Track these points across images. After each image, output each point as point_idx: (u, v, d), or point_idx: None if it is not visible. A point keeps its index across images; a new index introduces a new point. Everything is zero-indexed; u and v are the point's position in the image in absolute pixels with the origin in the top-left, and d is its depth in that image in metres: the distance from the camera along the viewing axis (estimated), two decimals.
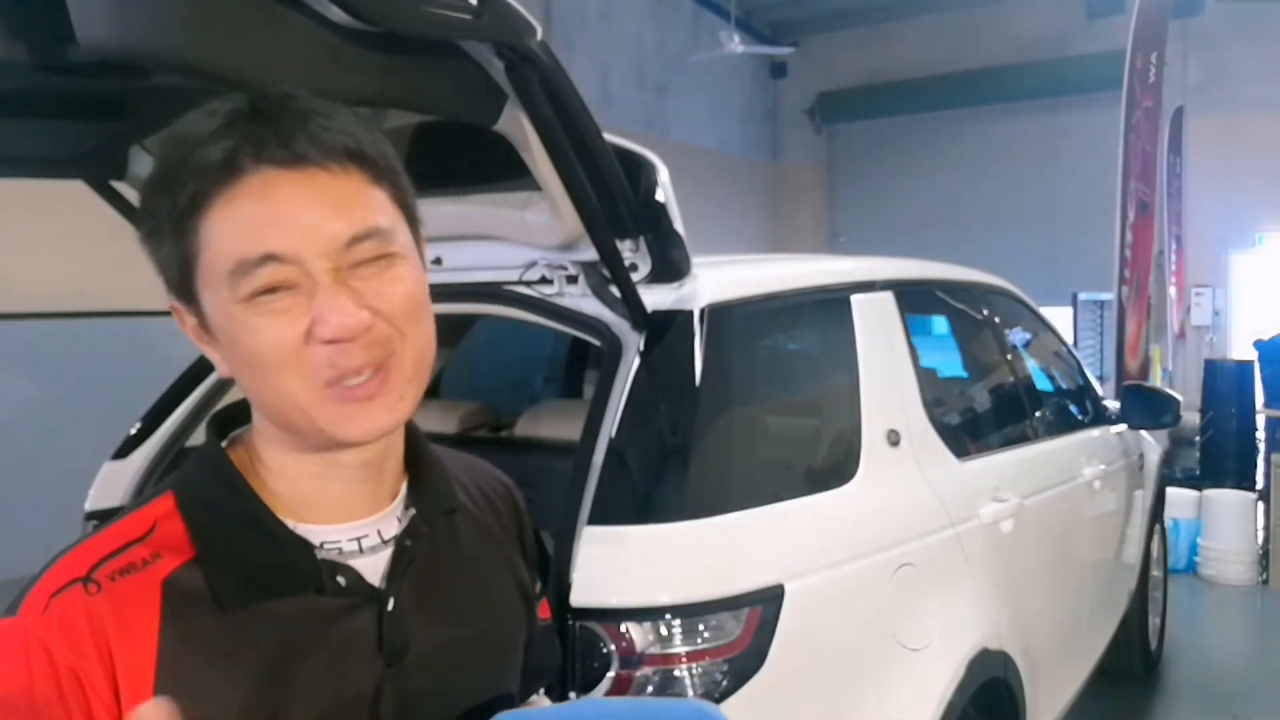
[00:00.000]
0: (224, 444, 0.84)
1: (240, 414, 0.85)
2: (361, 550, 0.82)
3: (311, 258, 0.73)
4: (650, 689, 1.47)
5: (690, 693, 1.49)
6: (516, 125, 1.35)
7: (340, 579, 0.80)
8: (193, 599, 0.75)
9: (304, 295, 0.73)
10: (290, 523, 0.80)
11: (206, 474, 0.81)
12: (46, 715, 0.70)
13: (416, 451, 0.89)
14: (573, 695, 1.46)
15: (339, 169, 0.74)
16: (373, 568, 0.82)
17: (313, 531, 0.80)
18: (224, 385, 2.20)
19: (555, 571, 1.49)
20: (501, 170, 1.59)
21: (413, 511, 0.86)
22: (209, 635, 0.74)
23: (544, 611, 1.08)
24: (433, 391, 3.01)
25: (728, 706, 1.50)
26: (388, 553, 0.83)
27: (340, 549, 0.81)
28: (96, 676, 0.71)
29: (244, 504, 0.79)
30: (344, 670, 0.79)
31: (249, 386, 0.78)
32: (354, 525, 0.83)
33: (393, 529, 0.85)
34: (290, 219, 0.72)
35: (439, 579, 0.87)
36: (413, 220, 0.82)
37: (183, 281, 0.75)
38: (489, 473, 1.03)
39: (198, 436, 2.17)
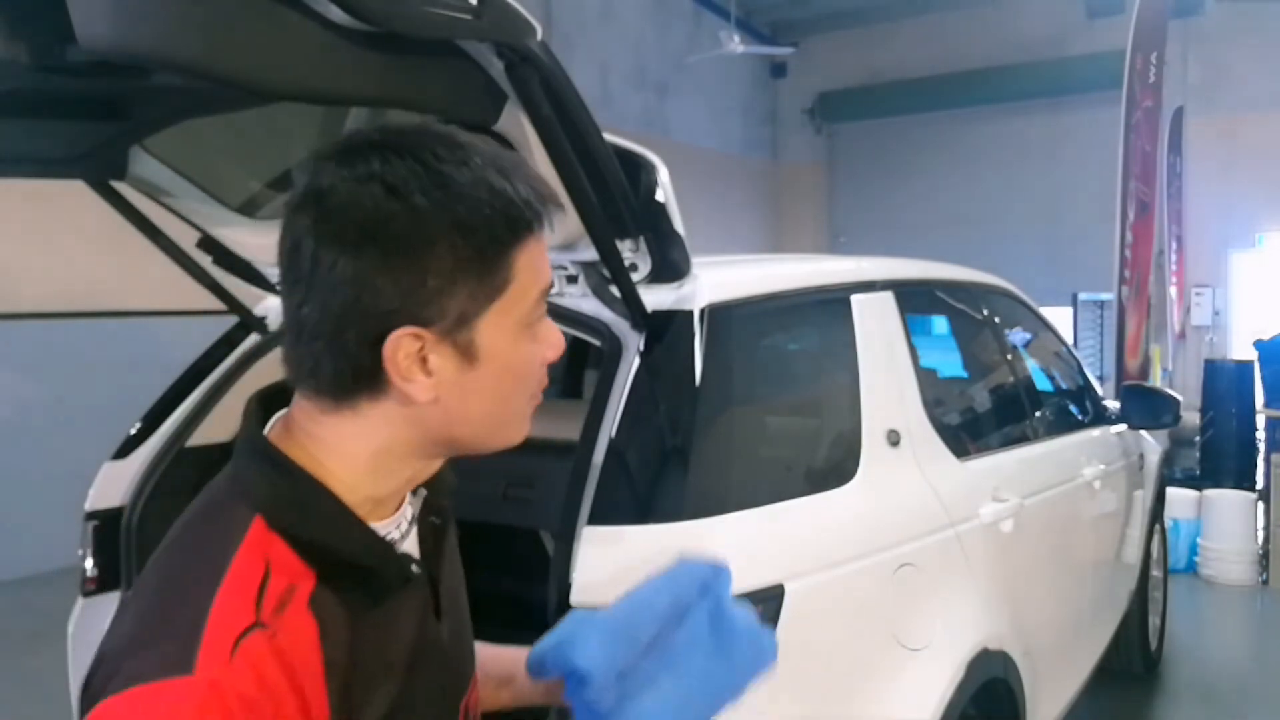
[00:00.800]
0: (267, 432, 0.87)
1: (276, 401, 0.89)
2: (402, 536, 0.90)
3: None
4: None
5: None
6: (516, 125, 1.35)
7: (414, 567, 0.88)
8: (334, 614, 0.79)
9: (540, 325, 0.87)
10: (372, 524, 0.85)
11: (286, 488, 0.82)
12: None
13: None
14: None
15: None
16: (410, 546, 0.91)
17: (379, 528, 0.86)
18: (223, 386, 2.20)
19: (555, 571, 1.49)
20: None
21: (423, 493, 0.95)
22: (351, 642, 0.80)
23: None
24: None
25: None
26: (414, 531, 0.92)
27: (394, 538, 0.88)
28: (295, 715, 0.74)
29: (336, 516, 0.82)
30: (428, 643, 0.89)
31: (482, 404, 0.85)
32: (395, 517, 0.90)
33: (410, 512, 0.93)
34: (546, 262, 0.87)
35: (446, 545, 0.99)
36: None
37: (468, 312, 0.81)
38: None
39: (198, 436, 2.17)
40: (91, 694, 0.72)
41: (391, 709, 0.82)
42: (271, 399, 0.90)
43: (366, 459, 0.84)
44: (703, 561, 1.04)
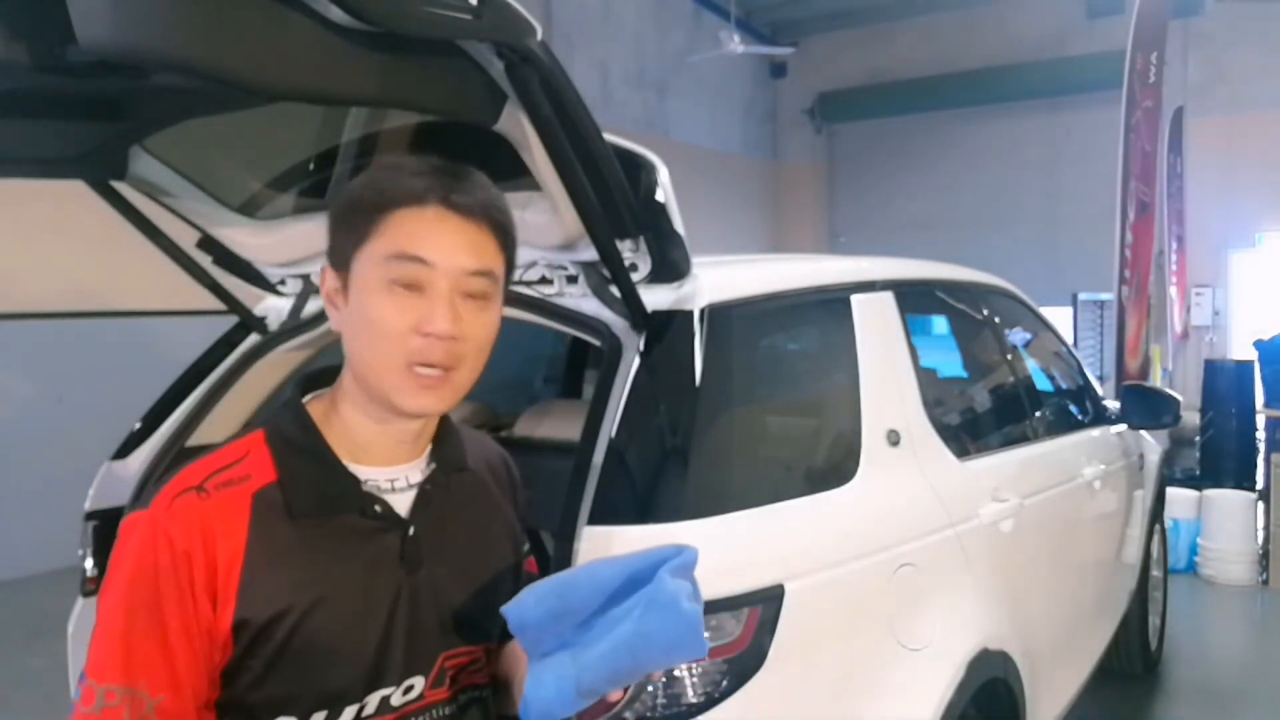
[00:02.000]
0: (306, 399, 1.13)
1: (322, 379, 1.16)
2: (394, 489, 1.12)
3: (442, 271, 1.04)
4: (650, 689, 1.47)
5: (690, 694, 1.49)
6: (516, 125, 1.35)
7: (377, 507, 1.10)
8: (274, 510, 1.04)
9: (424, 300, 1.04)
10: (346, 462, 1.09)
11: (289, 418, 1.10)
12: (165, 584, 0.98)
13: (444, 424, 1.21)
14: None
15: (485, 227, 1.08)
16: (402, 503, 1.12)
17: (362, 470, 1.10)
18: (223, 386, 2.20)
19: (556, 571, 1.49)
20: (501, 170, 1.59)
21: (434, 466, 1.17)
22: (282, 537, 1.03)
23: (530, 566, 1.38)
24: None
25: (728, 706, 1.50)
26: (413, 494, 1.14)
27: (379, 485, 1.11)
28: (199, 561, 0.99)
29: (313, 443, 1.08)
30: (373, 575, 1.08)
31: (354, 344, 1.07)
32: (392, 469, 1.12)
33: (417, 477, 1.15)
34: (441, 240, 1.05)
35: (448, 518, 1.17)
36: (509, 283, 1.15)
37: (349, 252, 1.06)
38: (492, 447, 1.36)
39: (198, 436, 2.17)
40: None
41: (307, 607, 1.02)
42: (319, 377, 1.17)
43: (344, 400, 1.10)
44: (669, 547, 1.12)
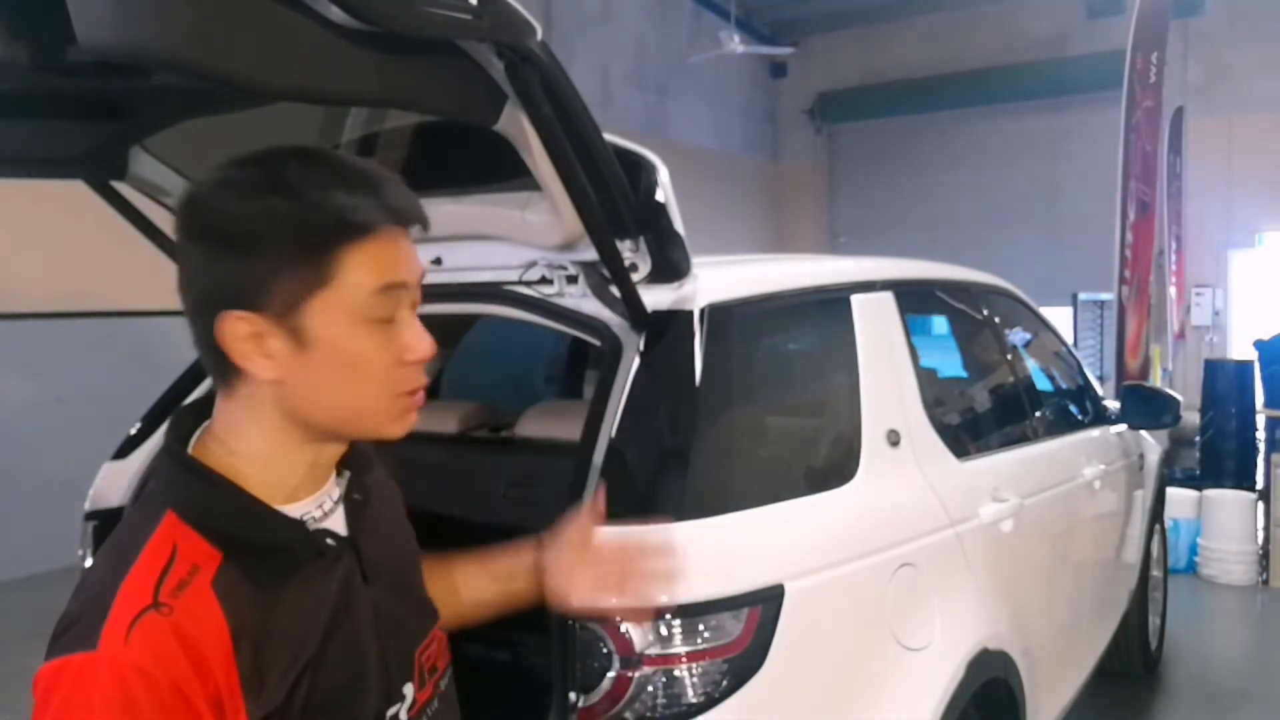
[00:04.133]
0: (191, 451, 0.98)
1: (182, 419, 1.01)
2: (326, 514, 1.02)
3: (409, 291, 0.97)
4: (651, 689, 1.47)
5: (690, 694, 1.49)
6: (516, 125, 1.35)
7: (330, 540, 1.00)
8: (238, 591, 0.90)
9: (394, 326, 0.96)
10: (279, 507, 0.97)
11: (197, 487, 0.94)
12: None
13: None
14: (571, 697, 1.47)
15: (413, 231, 0.99)
16: (338, 522, 1.04)
17: (296, 509, 0.99)
18: None
19: None
20: (502, 170, 1.59)
21: (348, 474, 1.08)
22: (260, 615, 0.90)
23: None
24: (433, 392, 3.01)
25: (728, 707, 1.50)
26: (340, 509, 1.05)
27: (314, 517, 1.01)
28: (193, 686, 0.84)
29: (243, 505, 0.94)
30: (351, 606, 1.00)
31: (317, 392, 0.95)
32: (316, 496, 1.02)
33: (337, 492, 1.06)
34: (410, 260, 0.97)
35: (374, 517, 1.09)
36: None
37: (300, 297, 0.91)
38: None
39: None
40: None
41: (310, 665, 0.93)
42: (203, 409, 1.01)
43: (260, 444, 0.97)
44: None
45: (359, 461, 1.09)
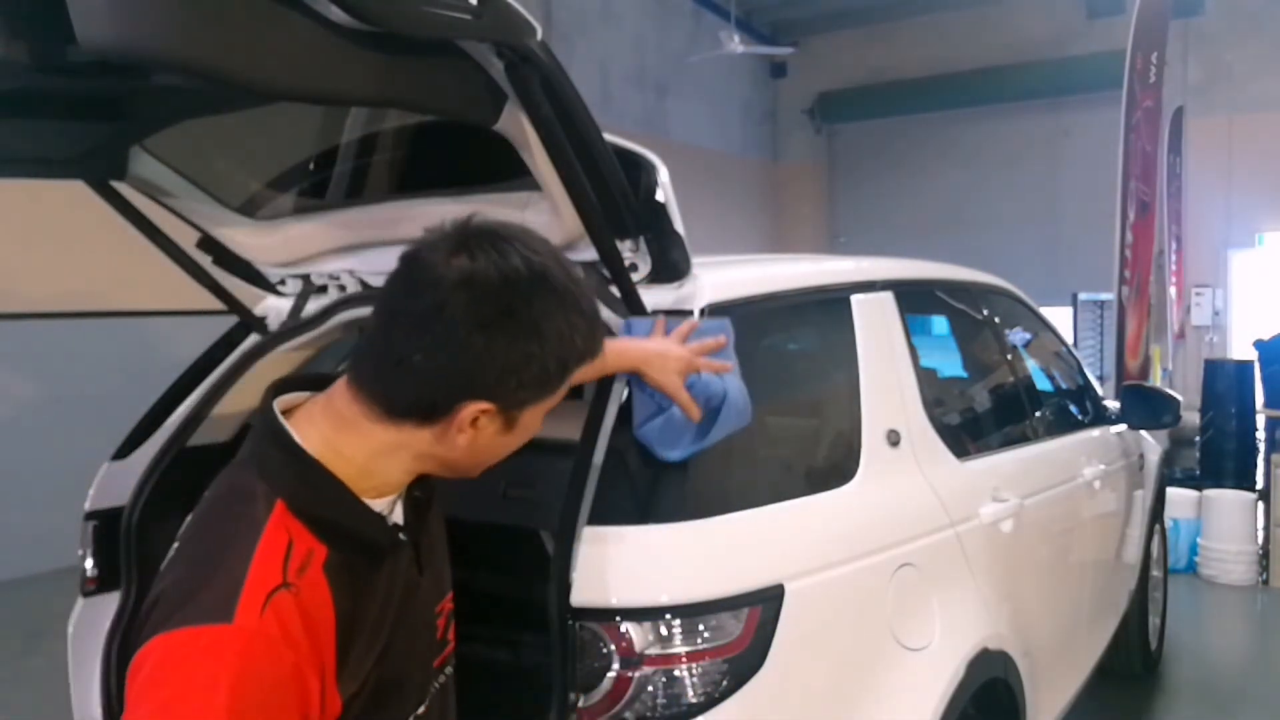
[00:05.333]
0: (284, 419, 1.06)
1: (291, 384, 1.12)
2: (393, 507, 1.12)
3: None
4: (651, 690, 1.47)
5: (690, 694, 1.49)
6: (516, 125, 1.35)
7: (401, 535, 1.12)
8: (341, 578, 0.99)
9: None
10: (368, 501, 1.06)
11: (304, 477, 1.02)
12: (287, 698, 0.91)
13: None
14: (571, 697, 1.46)
15: None
16: (399, 515, 1.13)
17: (377, 504, 1.08)
18: (223, 386, 2.20)
19: (555, 571, 1.49)
20: (501, 170, 1.59)
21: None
22: (355, 601, 1.01)
23: None
24: None
25: (728, 706, 1.50)
26: (400, 504, 1.14)
27: (386, 512, 1.10)
28: (311, 662, 0.94)
29: (344, 501, 1.04)
30: (411, 594, 1.12)
31: (478, 455, 1.10)
32: (393, 495, 1.12)
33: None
34: None
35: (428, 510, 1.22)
36: None
37: (527, 403, 1.07)
38: None
39: (198, 437, 2.16)
40: (150, 627, 0.92)
41: (384, 648, 1.05)
42: (286, 386, 1.11)
43: (384, 457, 1.05)
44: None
45: None
